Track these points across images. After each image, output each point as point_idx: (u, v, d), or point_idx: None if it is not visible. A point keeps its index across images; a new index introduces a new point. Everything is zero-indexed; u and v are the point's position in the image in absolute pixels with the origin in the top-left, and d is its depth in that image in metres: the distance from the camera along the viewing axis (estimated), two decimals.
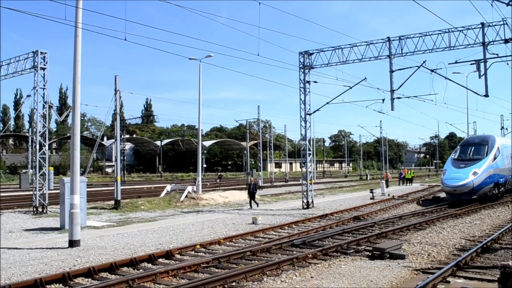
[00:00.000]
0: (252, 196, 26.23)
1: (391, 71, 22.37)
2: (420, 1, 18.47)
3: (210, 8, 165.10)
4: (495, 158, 26.70)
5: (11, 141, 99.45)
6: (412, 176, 52.15)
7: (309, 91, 25.44)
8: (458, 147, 29.42)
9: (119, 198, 26.04)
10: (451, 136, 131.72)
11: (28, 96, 25.22)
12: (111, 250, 13.53)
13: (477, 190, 25.21)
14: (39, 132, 23.85)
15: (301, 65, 25.31)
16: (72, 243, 14.05)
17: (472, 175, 25.03)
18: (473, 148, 27.50)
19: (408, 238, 14.88)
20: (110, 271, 10.89)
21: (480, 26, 20.20)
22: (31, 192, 25.81)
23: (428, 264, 11.19)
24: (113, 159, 30.64)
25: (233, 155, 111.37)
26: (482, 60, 19.79)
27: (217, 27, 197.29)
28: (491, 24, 19.92)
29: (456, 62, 20.46)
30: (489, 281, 9.54)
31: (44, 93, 23.83)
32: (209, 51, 32.00)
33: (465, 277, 9.90)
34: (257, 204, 26.23)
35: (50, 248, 13.95)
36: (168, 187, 32.55)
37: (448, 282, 9.54)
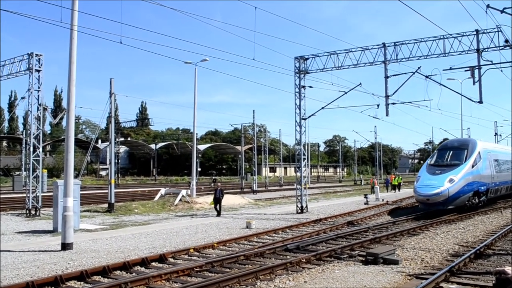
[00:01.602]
0: (217, 202, 24.14)
1: (386, 77, 22.46)
2: (415, 6, 18.61)
3: (205, 12, 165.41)
4: (475, 164, 24.34)
5: (5, 143, 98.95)
6: (399, 183, 47.74)
7: (304, 96, 25.50)
8: (435, 151, 27.25)
9: (113, 201, 25.95)
10: None
11: (23, 98, 25.21)
12: (104, 254, 13.47)
13: (453, 199, 22.64)
14: (33, 134, 23.74)
15: (297, 70, 25.36)
16: (65, 246, 13.97)
17: (448, 183, 22.49)
18: (451, 153, 25.11)
19: (401, 244, 14.90)
20: (103, 275, 10.84)
21: (475, 32, 20.34)
22: (24, 195, 25.67)
23: (421, 269, 11.20)
24: (107, 162, 30.55)
25: (227, 159, 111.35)
26: (477, 67, 19.92)
27: (213, 31, 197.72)
28: (485, 31, 20.05)
29: (450, 69, 20.59)
30: (482, 287, 9.57)
31: (38, 95, 23.75)
32: (205, 55, 32.06)
33: (458, 283, 9.91)
34: (219, 213, 23.94)
35: (42, 251, 13.86)
36: (162, 191, 32.47)
37: (441, 287, 9.56)
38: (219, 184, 25.52)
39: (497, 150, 30.52)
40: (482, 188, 24.95)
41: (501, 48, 19.73)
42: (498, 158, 28.76)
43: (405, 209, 27.98)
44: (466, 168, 23.60)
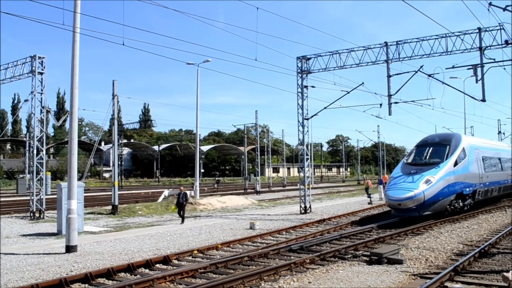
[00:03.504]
0: (180, 207, 21.72)
1: (389, 76, 22.43)
2: (417, 5, 18.61)
3: (208, 13, 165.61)
4: (458, 162, 21.20)
5: (8, 146, 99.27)
6: None
7: (306, 96, 25.49)
8: (414, 148, 23.74)
9: (116, 203, 25.98)
10: None
11: (26, 101, 25.23)
12: (108, 256, 13.49)
13: (430, 204, 19.48)
14: (37, 137, 23.82)
15: (299, 70, 25.35)
16: (69, 249, 14.00)
17: (423, 184, 19.35)
18: (431, 150, 22.08)
19: (406, 243, 14.88)
20: (107, 277, 10.87)
21: (477, 31, 20.30)
22: (28, 197, 25.74)
23: (425, 269, 11.18)
24: (111, 164, 30.60)
25: (231, 160, 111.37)
26: (479, 65, 19.89)
27: (215, 32, 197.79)
28: (487, 29, 20.01)
29: (453, 67, 20.57)
30: (487, 286, 9.54)
31: (41, 98, 23.82)
32: (207, 56, 32.09)
33: (462, 282, 9.89)
34: (183, 219, 21.59)
35: (47, 254, 13.90)
36: (166, 192, 32.53)
37: (446, 287, 9.54)
38: (182, 188, 22.71)
39: (487, 147, 27.08)
40: (468, 189, 21.95)
41: (503, 46, 19.69)
42: (488, 155, 25.77)
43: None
44: (446, 167, 20.53)
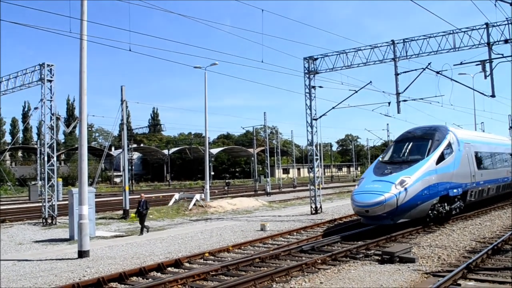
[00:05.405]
0: (141, 217, 19.47)
1: (396, 74, 22.32)
2: (423, 3, 18.51)
3: (213, 17, 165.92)
4: (442, 159, 18.07)
5: (20, 153, 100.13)
6: None
7: (314, 96, 25.45)
8: (392, 143, 21.04)
9: (127, 207, 26.11)
10: None
11: (36, 108, 25.47)
12: (120, 260, 13.56)
13: (405, 210, 16.32)
14: (47, 143, 23.99)
15: (306, 71, 25.32)
16: (82, 254, 14.11)
17: (397, 186, 16.20)
18: (410, 145, 18.96)
19: (417, 241, 14.81)
20: (120, 281, 10.93)
21: (485, 26, 20.14)
22: (40, 204, 25.94)
23: (438, 267, 11.11)
24: (121, 169, 30.76)
25: (240, 162, 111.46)
26: (488, 61, 19.74)
27: (221, 35, 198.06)
28: (495, 24, 19.86)
29: (461, 63, 20.42)
30: (501, 283, 9.47)
31: (51, 105, 24.02)
32: (214, 59, 32.10)
33: (476, 280, 9.82)
34: (147, 230, 19.53)
35: (59, 259, 14.01)
36: (176, 196, 32.62)
37: (459, 285, 9.47)
38: (142, 195, 20.69)
39: (482, 141, 24.10)
40: (455, 190, 18.78)
41: (510, 41, 19.52)
42: (482, 150, 22.98)
43: None
44: (426, 165, 17.40)
